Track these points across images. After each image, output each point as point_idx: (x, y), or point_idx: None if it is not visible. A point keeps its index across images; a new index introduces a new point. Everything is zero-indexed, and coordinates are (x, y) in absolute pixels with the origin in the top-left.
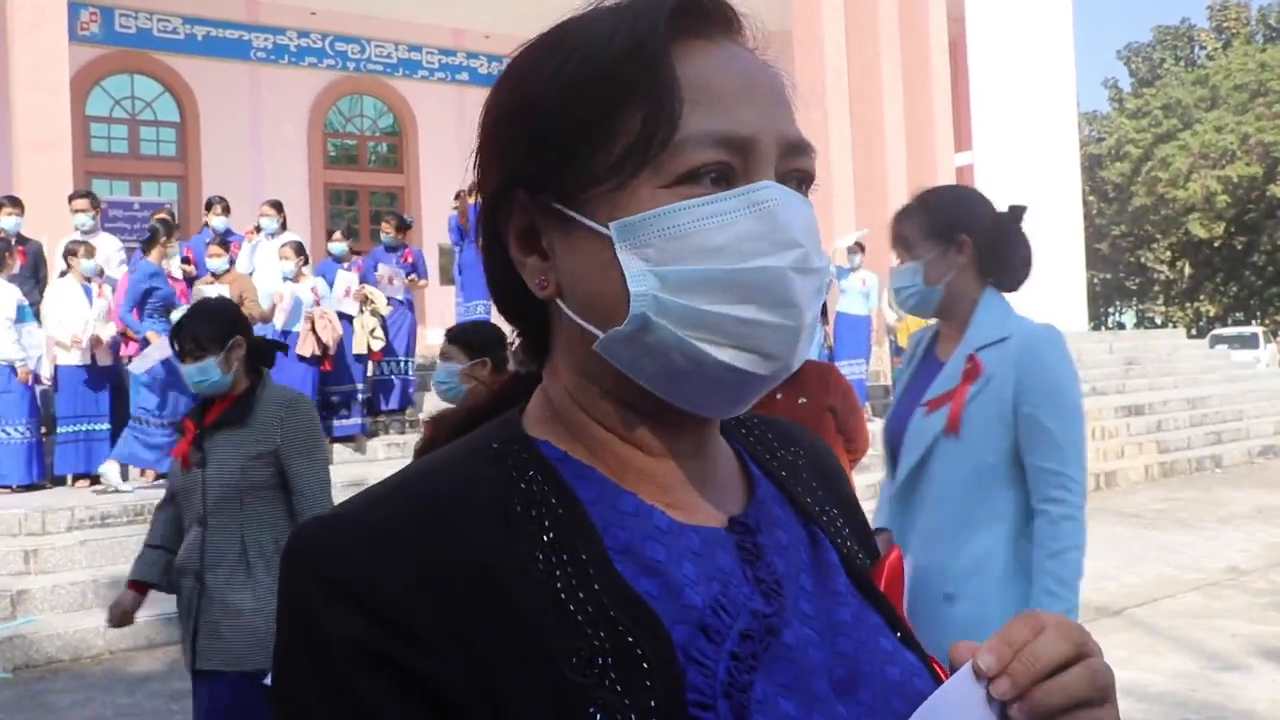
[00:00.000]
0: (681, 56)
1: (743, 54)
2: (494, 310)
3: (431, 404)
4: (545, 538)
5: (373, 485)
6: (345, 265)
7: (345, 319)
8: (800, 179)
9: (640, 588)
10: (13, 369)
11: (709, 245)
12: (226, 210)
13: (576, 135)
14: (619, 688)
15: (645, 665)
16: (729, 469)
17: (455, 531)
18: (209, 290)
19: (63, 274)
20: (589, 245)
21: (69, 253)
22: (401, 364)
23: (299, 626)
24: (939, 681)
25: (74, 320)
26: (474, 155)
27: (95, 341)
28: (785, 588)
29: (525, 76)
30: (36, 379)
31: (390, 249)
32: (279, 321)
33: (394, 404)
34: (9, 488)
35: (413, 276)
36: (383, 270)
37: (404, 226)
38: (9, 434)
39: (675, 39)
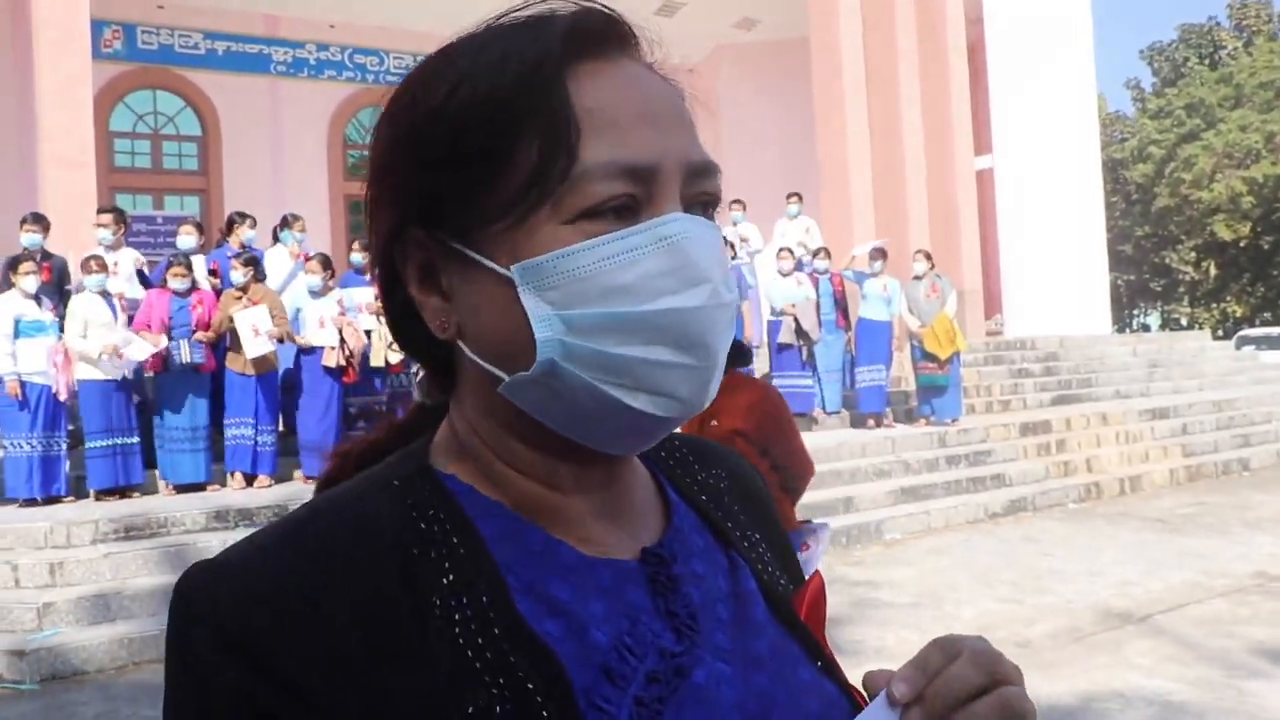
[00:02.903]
0: (577, 80)
1: (641, 73)
2: None
3: None
4: (445, 580)
5: (266, 526)
6: (366, 278)
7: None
8: (705, 202)
9: (543, 629)
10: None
11: (616, 285)
12: (254, 225)
13: (470, 169)
14: None
15: (545, 714)
16: (645, 497)
17: (349, 578)
18: (237, 305)
19: (78, 289)
20: (490, 286)
21: (84, 269)
22: (413, 377)
23: (186, 674)
24: (859, 712)
25: (99, 334)
26: (365, 190)
27: (114, 350)
28: (700, 620)
29: (413, 105)
30: (54, 394)
31: None
32: (312, 338)
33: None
34: (33, 501)
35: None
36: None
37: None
38: (15, 447)
39: (570, 61)
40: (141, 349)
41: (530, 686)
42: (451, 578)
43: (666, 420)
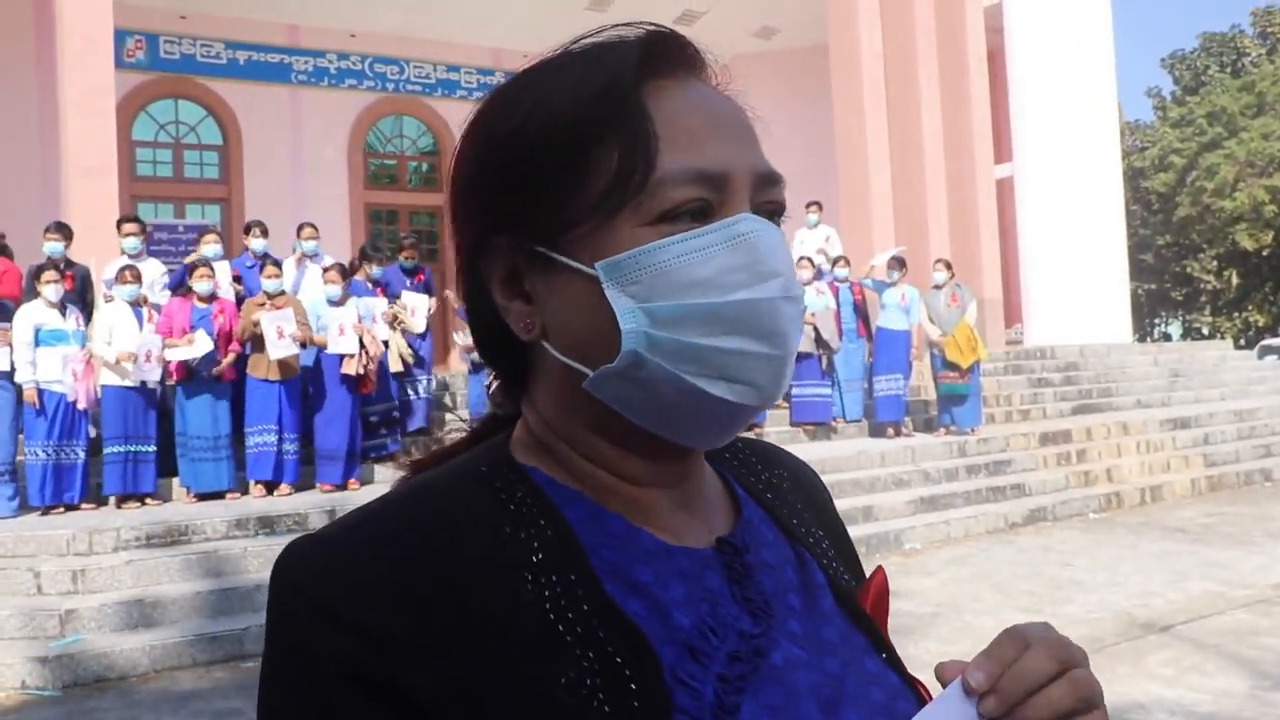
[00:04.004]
0: (651, 97)
1: (709, 91)
2: None
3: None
4: (534, 558)
5: (363, 505)
6: (371, 289)
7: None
8: (772, 210)
9: (628, 609)
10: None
11: (695, 279)
12: (265, 233)
13: (554, 179)
14: (607, 709)
15: (633, 686)
16: (714, 492)
17: (444, 553)
18: (262, 311)
19: (108, 299)
20: (573, 286)
21: (118, 279)
22: (421, 384)
23: (286, 645)
24: (922, 704)
25: (123, 342)
26: (448, 206)
27: (146, 356)
28: (773, 607)
29: (496, 126)
30: (71, 403)
31: (408, 272)
32: (333, 346)
33: (416, 425)
34: (54, 508)
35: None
36: (407, 300)
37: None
38: (32, 455)
39: (644, 80)
40: (183, 352)
41: (619, 660)
42: (541, 556)
43: (744, 408)
